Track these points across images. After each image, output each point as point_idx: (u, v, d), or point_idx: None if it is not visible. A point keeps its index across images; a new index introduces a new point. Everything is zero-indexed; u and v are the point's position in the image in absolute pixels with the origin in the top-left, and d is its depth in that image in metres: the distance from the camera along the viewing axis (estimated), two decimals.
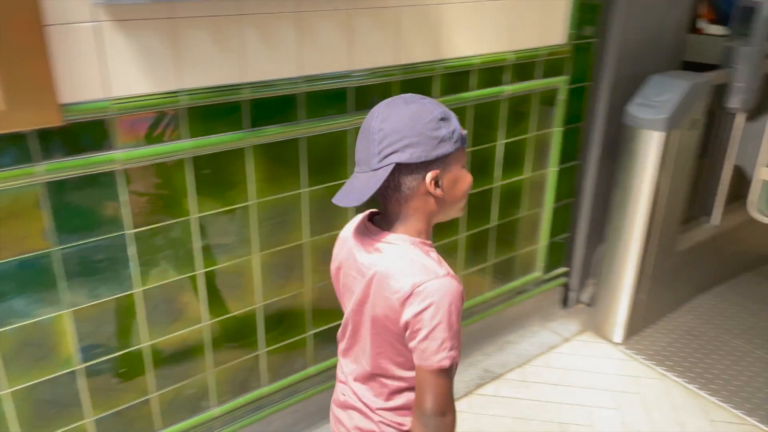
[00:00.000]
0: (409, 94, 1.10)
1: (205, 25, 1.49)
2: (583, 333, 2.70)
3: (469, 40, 2.04)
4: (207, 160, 1.61)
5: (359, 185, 1.07)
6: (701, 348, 2.58)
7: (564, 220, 2.68)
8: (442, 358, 1.04)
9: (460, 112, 2.10)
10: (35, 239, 1.42)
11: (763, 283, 3.07)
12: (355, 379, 1.23)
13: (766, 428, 2.16)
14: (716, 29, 3.32)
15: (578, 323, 2.74)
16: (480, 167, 2.26)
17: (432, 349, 1.04)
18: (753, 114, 2.67)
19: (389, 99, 1.10)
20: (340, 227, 1.26)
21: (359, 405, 1.22)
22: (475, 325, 2.51)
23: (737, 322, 2.76)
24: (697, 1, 3.54)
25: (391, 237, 1.11)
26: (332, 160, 1.85)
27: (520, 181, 2.43)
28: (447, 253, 2.29)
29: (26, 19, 1.26)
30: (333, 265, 1.25)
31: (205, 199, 1.65)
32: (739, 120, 2.68)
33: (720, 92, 2.61)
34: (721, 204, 2.86)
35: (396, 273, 1.06)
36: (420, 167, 1.05)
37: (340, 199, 1.10)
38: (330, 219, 1.89)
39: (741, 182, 2.86)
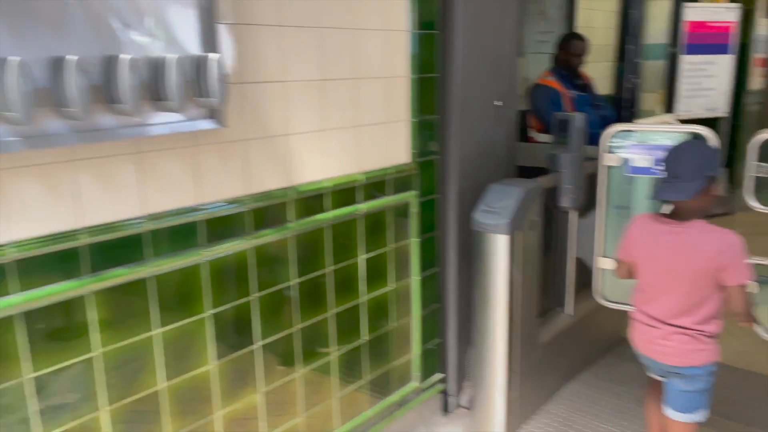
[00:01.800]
0: (700, 141, 2.36)
1: (32, 174, 1.43)
2: None
3: (318, 165, 2.12)
4: (42, 313, 1.48)
5: (682, 188, 1.92)
6: None
7: (433, 326, 2.74)
8: (744, 277, 1.94)
9: (317, 233, 2.14)
10: None
11: (620, 364, 3.26)
12: (670, 316, 2.02)
13: None
14: (544, 137, 3.75)
15: (461, 428, 2.74)
16: (344, 284, 2.28)
17: (738, 273, 1.93)
18: (583, 211, 2.98)
19: (692, 141, 2.36)
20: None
21: (680, 330, 2.01)
22: None
23: (602, 407, 2.89)
24: (527, 114, 4.02)
25: (691, 223, 1.98)
26: (186, 296, 1.78)
27: (385, 294, 2.47)
28: (320, 373, 2.23)
29: None
30: (633, 249, 2.14)
31: (41, 356, 1.50)
32: (572, 217, 2.97)
33: (553, 193, 2.89)
34: (571, 294, 3.09)
35: (707, 239, 1.96)
36: (710, 180, 1.95)
37: (670, 195, 1.98)
38: (187, 359, 1.79)
39: (585, 272, 3.12)
